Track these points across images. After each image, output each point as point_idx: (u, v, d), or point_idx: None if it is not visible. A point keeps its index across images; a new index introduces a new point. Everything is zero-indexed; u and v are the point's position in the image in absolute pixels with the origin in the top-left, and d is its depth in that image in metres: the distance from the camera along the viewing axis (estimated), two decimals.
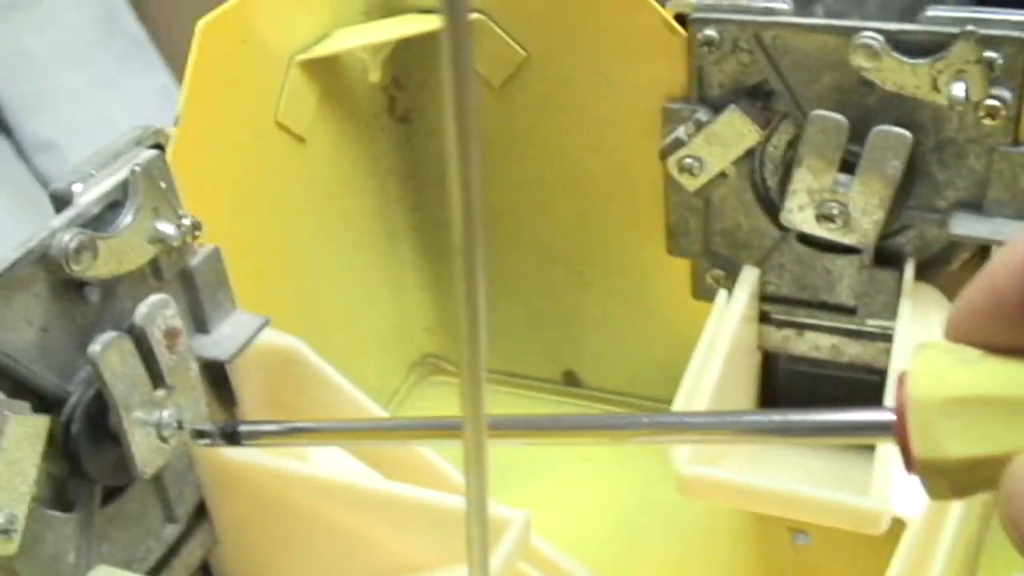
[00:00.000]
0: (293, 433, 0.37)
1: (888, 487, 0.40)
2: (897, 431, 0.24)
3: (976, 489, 0.24)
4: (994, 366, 0.24)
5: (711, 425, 0.29)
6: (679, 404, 0.44)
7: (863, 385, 0.51)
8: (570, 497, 0.54)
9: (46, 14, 1.23)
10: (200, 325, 0.42)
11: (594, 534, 0.52)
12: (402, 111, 0.54)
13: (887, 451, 0.41)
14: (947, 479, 0.24)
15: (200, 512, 0.44)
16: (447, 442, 0.32)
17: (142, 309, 0.38)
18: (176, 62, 1.32)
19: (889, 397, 0.42)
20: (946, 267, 0.47)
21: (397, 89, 0.54)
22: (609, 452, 0.56)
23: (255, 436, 0.37)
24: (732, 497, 0.42)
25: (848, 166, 0.44)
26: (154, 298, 0.38)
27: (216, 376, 0.43)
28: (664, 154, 0.48)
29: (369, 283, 0.57)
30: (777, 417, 0.28)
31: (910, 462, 0.24)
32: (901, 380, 0.24)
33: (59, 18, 1.24)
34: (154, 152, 0.40)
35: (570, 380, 0.59)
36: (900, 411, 0.24)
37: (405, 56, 0.52)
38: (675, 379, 0.56)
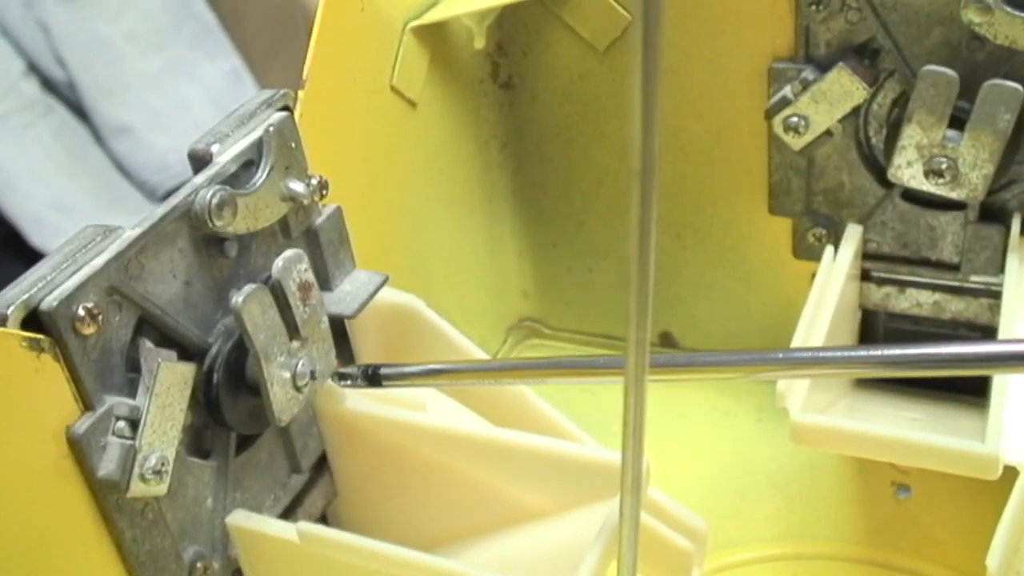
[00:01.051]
0: (433, 375, 0.38)
1: (1000, 434, 0.41)
2: None
3: None
4: None
5: (847, 360, 0.30)
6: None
7: (963, 342, 0.52)
8: (670, 453, 0.55)
9: (119, 1, 1.26)
10: (323, 282, 0.44)
11: (695, 489, 0.53)
12: (505, 77, 0.55)
13: (1000, 398, 0.42)
14: None
15: (322, 464, 0.45)
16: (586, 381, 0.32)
17: (279, 263, 0.39)
18: (246, 47, 1.34)
19: None
20: None
21: (501, 55, 0.55)
22: (703, 410, 0.57)
23: (396, 378, 0.39)
24: (846, 444, 0.42)
25: (956, 122, 0.45)
26: (289, 252, 0.40)
27: (337, 332, 0.44)
28: (770, 113, 0.49)
29: (471, 246, 0.58)
30: (907, 350, 0.29)
31: None
32: None
33: (131, 4, 1.27)
34: (284, 113, 0.41)
35: (667, 341, 0.60)
36: None
37: (510, 23, 0.53)
38: (771, 338, 0.57)
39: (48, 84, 1.28)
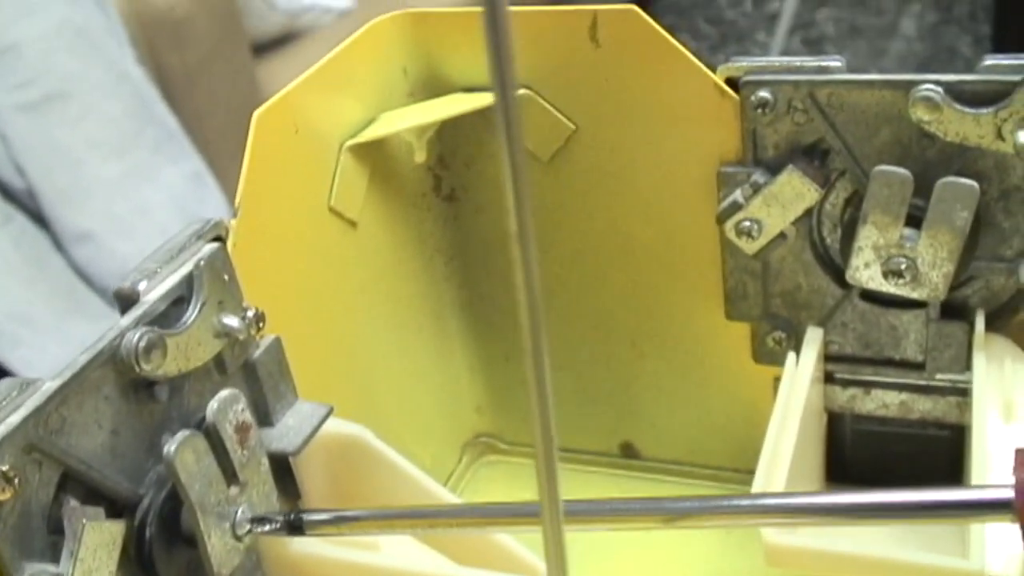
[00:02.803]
0: (359, 521, 0.36)
1: (984, 547, 0.39)
2: (1017, 508, 0.23)
3: None
4: None
5: (808, 508, 0.28)
6: (760, 475, 0.43)
7: (934, 441, 0.50)
8: (630, 571, 0.52)
9: (79, 107, 1.25)
10: (264, 418, 0.42)
11: None
12: (448, 190, 0.54)
13: None
14: None
15: None
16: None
17: (213, 405, 0.37)
18: (208, 149, 1.33)
19: (985, 463, 0.41)
20: (1015, 316, 0.46)
21: (443, 168, 0.53)
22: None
23: (319, 525, 0.36)
24: (825, 566, 0.40)
25: (912, 220, 0.44)
26: (224, 393, 0.38)
27: (279, 470, 0.42)
28: (721, 218, 0.47)
29: (420, 364, 0.56)
30: (882, 498, 0.27)
31: None
32: (1019, 457, 0.24)
33: (92, 110, 1.26)
34: (215, 245, 0.39)
35: (628, 452, 0.58)
36: (1020, 487, 0.23)
37: (450, 135, 0.52)
38: (735, 445, 0.55)
39: (7, 193, 1.25)
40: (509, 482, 0.59)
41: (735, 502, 0.29)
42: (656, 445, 0.57)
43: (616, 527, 0.34)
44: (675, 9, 2.71)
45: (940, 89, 0.42)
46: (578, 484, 0.58)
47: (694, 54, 0.46)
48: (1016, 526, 0.24)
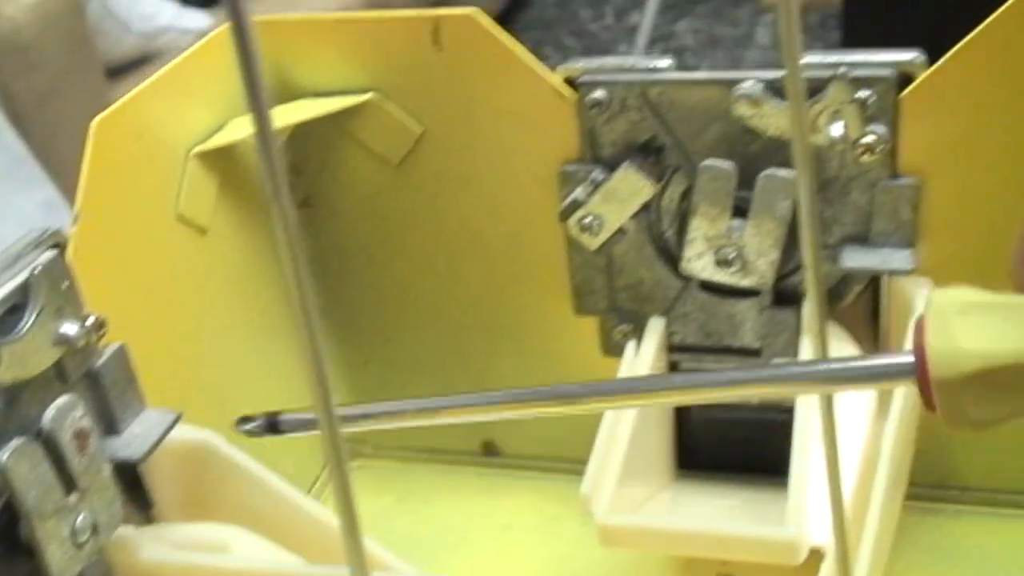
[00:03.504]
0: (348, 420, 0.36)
1: (804, 517, 0.41)
2: (918, 371, 0.25)
3: (996, 416, 0.24)
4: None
5: (737, 380, 0.28)
6: (594, 462, 0.44)
7: (775, 424, 0.52)
8: (495, 565, 0.53)
9: None
10: (110, 426, 0.42)
11: None
12: (301, 196, 0.54)
13: (800, 480, 0.42)
14: (966, 394, 0.24)
15: None
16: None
17: (49, 412, 0.37)
18: (61, 175, 1.31)
19: (809, 439, 0.43)
20: (840, 301, 0.49)
21: (295, 174, 0.54)
22: (529, 517, 0.56)
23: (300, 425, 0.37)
24: (654, 542, 0.42)
25: (740, 211, 0.46)
26: (60, 400, 0.38)
27: (129, 479, 0.42)
28: (564, 215, 0.49)
29: (279, 370, 0.56)
30: (795, 370, 0.28)
31: (929, 398, 0.24)
32: (918, 324, 0.25)
33: None
34: (52, 252, 0.39)
35: (489, 450, 0.59)
36: (919, 352, 0.24)
37: (301, 142, 0.53)
38: (590, 437, 0.57)
39: None
40: (374, 486, 0.59)
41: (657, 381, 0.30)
42: (516, 441, 0.58)
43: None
44: (539, 23, 2.77)
45: (760, 86, 0.44)
46: (442, 482, 0.59)
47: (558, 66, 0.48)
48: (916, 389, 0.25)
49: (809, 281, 0.28)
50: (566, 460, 0.58)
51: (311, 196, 0.55)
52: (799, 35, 0.23)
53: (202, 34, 1.57)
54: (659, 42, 2.57)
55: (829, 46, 2.50)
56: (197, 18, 1.84)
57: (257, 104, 0.21)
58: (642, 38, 2.03)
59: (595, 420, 0.56)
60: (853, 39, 2.20)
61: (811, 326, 0.38)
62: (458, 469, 0.59)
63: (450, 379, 0.57)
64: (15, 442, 0.35)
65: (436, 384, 0.57)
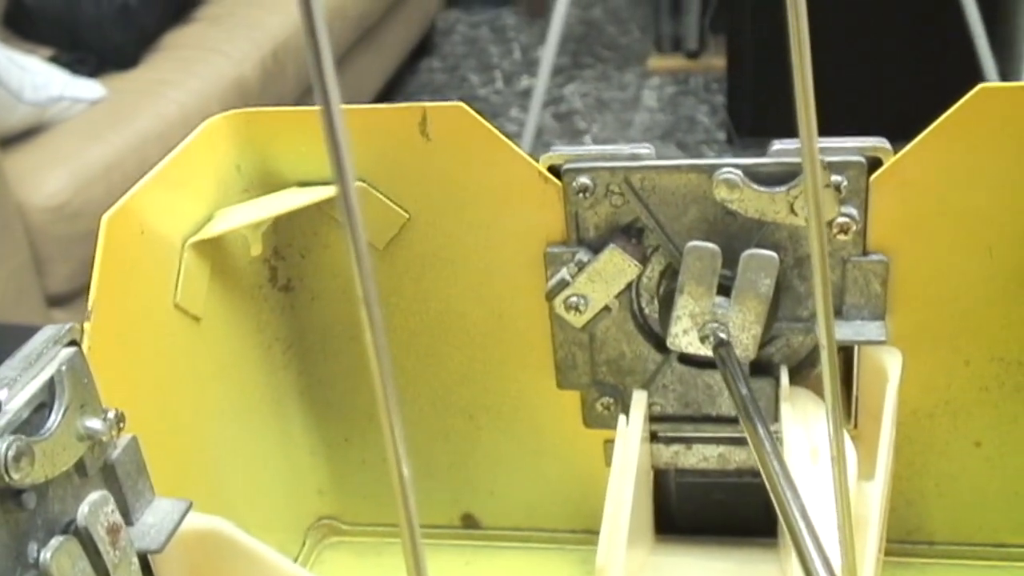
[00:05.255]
0: None
1: None
2: None
3: None
4: None
5: None
6: (604, 539, 0.46)
7: (751, 488, 0.55)
8: None
9: None
10: (124, 516, 0.42)
11: None
12: (284, 280, 0.55)
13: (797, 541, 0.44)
14: None
15: None
16: None
17: (84, 508, 0.37)
18: None
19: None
20: (814, 369, 0.52)
21: (278, 259, 0.55)
22: None
23: None
24: None
25: (721, 289, 0.49)
26: (94, 495, 0.38)
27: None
28: (550, 295, 0.51)
29: (263, 451, 0.57)
30: None
31: None
32: None
33: None
34: (73, 349, 0.40)
35: (469, 523, 0.60)
36: None
37: (285, 227, 0.54)
38: (571, 507, 0.59)
39: None
40: (354, 562, 0.60)
41: None
42: (496, 514, 0.60)
43: None
44: (429, 89, 2.82)
45: (739, 171, 0.47)
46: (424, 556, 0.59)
47: None
48: None
49: (824, 359, 0.31)
50: (543, 530, 0.60)
51: (293, 280, 0.56)
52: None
53: (95, 103, 1.57)
54: (549, 105, 2.64)
55: (714, 109, 2.60)
56: (88, 87, 1.82)
57: (344, 183, 0.23)
58: (536, 104, 2.08)
59: (571, 486, 0.58)
60: (736, 102, 2.30)
61: (826, 396, 0.40)
62: (439, 543, 0.60)
63: (431, 454, 0.58)
64: (55, 540, 0.36)
65: (418, 460, 0.58)
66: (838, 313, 0.49)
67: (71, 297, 1.60)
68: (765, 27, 2.07)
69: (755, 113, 2.19)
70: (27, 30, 2.01)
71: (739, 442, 0.54)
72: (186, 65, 1.98)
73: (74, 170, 1.64)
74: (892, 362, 0.49)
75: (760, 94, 2.15)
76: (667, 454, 0.55)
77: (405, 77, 2.86)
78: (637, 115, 2.62)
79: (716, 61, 2.64)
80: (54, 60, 1.88)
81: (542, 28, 2.52)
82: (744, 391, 0.48)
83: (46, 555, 0.35)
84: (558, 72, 2.75)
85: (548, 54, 2.06)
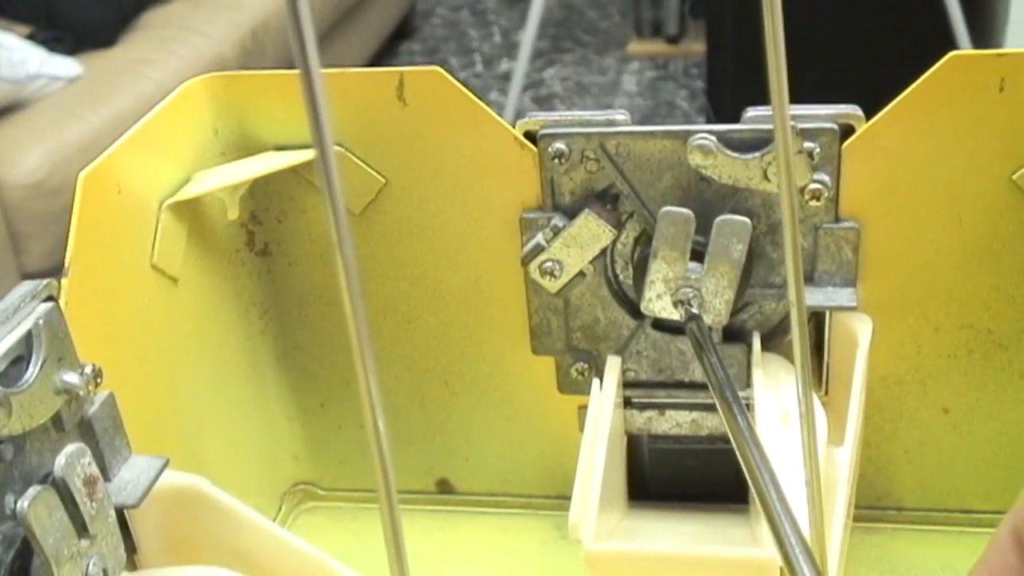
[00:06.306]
0: None
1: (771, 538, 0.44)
2: None
3: None
4: None
5: None
6: (577, 498, 0.46)
7: (723, 454, 0.55)
8: None
9: None
10: (102, 473, 0.42)
11: None
12: (261, 244, 0.56)
13: (767, 504, 0.45)
14: None
15: None
16: None
17: (61, 460, 0.38)
18: None
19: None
20: (786, 336, 0.53)
21: (255, 224, 0.55)
22: (488, 552, 0.58)
23: None
24: (640, 567, 0.45)
25: (695, 254, 0.49)
26: (71, 447, 0.38)
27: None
28: (525, 260, 0.52)
29: (239, 415, 0.57)
30: None
31: None
32: None
33: None
34: (50, 304, 0.40)
35: (444, 488, 0.61)
36: None
37: (262, 192, 0.54)
38: (545, 473, 0.59)
39: None
40: (329, 527, 0.60)
41: None
42: (471, 479, 0.60)
43: None
44: None
45: (713, 138, 0.48)
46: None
47: None
48: None
49: (794, 318, 0.31)
50: (518, 495, 0.60)
51: (270, 244, 0.56)
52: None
53: (72, 81, 1.57)
54: (529, 89, 2.64)
55: (693, 93, 2.61)
56: (66, 65, 1.81)
57: (323, 147, 0.23)
58: (515, 86, 2.08)
59: (546, 452, 0.59)
60: (715, 87, 2.31)
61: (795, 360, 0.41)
62: (413, 508, 0.60)
63: (408, 420, 0.59)
64: (33, 490, 0.36)
65: (394, 426, 0.58)
66: (809, 279, 0.50)
67: (48, 275, 1.58)
68: (745, 12, 2.07)
69: (734, 98, 2.20)
70: (4, 7, 2.00)
71: (711, 408, 0.55)
72: (164, 44, 1.97)
73: (51, 148, 1.63)
74: (863, 328, 0.49)
75: (739, 80, 2.15)
76: (640, 420, 0.56)
77: (385, 60, 2.85)
78: (617, 99, 2.63)
79: (696, 46, 2.65)
80: (31, 38, 1.87)
81: (522, 11, 2.53)
82: (715, 360, 0.49)
83: (23, 504, 0.35)
84: (538, 56, 2.76)
85: (528, 37, 2.06)
